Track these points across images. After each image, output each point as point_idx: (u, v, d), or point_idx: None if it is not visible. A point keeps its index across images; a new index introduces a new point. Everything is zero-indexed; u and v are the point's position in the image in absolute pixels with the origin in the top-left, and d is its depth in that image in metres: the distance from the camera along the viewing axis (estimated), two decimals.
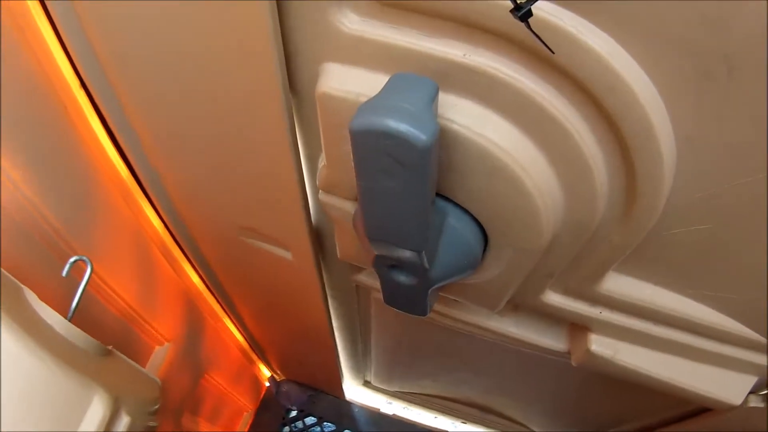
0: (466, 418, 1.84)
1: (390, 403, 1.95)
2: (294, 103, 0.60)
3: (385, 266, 0.60)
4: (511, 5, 0.30)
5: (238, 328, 1.51)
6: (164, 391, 0.89)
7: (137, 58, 0.58)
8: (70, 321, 0.53)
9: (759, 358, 0.76)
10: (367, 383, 1.89)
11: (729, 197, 0.51)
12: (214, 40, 0.51)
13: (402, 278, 0.61)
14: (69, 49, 0.62)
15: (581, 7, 0.37)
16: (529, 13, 0.30)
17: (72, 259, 0.61)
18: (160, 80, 0.60)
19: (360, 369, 1.73)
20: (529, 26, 0.31)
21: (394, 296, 0.67)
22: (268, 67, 0.51)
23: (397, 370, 1.62)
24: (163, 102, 0.64)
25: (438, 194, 0.54)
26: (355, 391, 1.94)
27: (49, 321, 0.50)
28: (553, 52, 0.34)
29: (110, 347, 0.59)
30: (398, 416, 1.96)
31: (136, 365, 0.66)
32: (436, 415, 1.93)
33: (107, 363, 0.57)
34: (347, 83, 0.49)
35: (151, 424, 0.65)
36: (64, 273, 0.60)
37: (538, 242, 0.53)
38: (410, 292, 0.64)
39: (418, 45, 0.44)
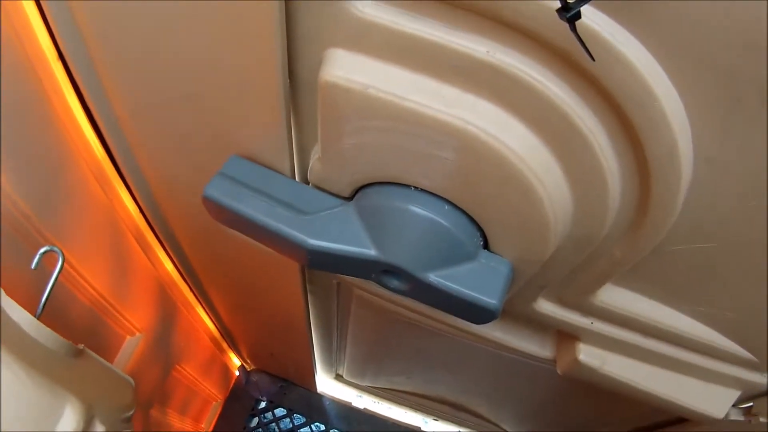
0: (438, 415, 1.84)
1: (360, 396, 1.93)
2: (290, 88, 0.56)
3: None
4: (557, 5, 0.27)
5: (210, 318, 1.46)
6: (135, 386, 0.84)
7: (122, 27, 0.53)
8: (38, 319, 0.49)
9: (745, 374, 0.76)
10: (338, 377, 1.87)
11: (739, 219, 0.50)
12: (211, 20, 0.47)
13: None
14: (48, 17, 0.57)
15: (619, 12, 0.34)
16: (578, 15, 0.27)
17: (42, 250, 0.56)
18: (145, 50, 0.55)
19: (333, 363, 1.70)
20: (574, 29, 0.28)
21: None
22: (268, 47, 0.47)
23: (371, 367, 1.60)
24: (146, 76, 0.59)
25: (433, 193, 0.51)
26: (326, 384, 1.92)
27: (16, 319, 0.46)
28: (593, 60, 0.31)
29: (81, 346, 0.55)
30: (369, 410, 1.95)
31: (109, 365, 0.62)
32: (407, 411, 1.92)
33: (78, 365, 0.52)
34: (353, 72, 0.45)
35: None
36: (33, 265, 0.55)
37: (542, 254, 0.51)
38: None
39: (436, 36, 0.40)
